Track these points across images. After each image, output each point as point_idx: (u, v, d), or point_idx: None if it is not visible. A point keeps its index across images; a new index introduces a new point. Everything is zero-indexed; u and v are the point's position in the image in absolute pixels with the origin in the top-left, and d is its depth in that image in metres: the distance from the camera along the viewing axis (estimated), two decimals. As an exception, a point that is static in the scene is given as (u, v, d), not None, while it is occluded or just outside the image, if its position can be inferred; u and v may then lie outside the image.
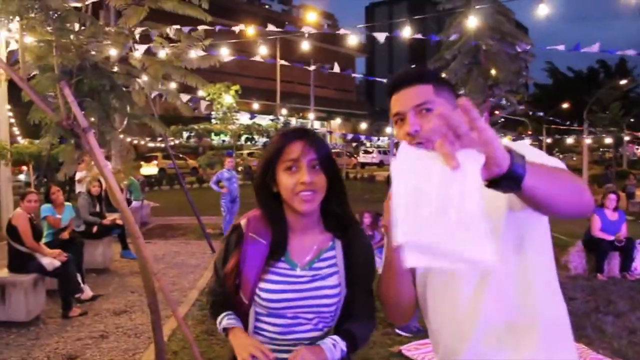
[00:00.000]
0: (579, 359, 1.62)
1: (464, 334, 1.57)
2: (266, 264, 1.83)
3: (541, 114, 18.27)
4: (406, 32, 9.73)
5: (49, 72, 4.09)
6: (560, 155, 48.45)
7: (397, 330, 5.78)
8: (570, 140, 34.58)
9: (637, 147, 53.30)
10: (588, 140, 32.43)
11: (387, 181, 28.92)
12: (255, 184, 1.88)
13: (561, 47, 10.06)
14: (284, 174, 1.77)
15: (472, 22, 9.61)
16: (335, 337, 1.83)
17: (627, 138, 34.09)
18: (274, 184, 1.81)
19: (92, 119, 4.33)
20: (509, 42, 10.60)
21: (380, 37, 10.52)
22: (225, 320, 1.89)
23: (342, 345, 1.81)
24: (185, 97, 9.06)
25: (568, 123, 29.75)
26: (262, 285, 1.82)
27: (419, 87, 1.61)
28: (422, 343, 5.42)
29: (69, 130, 4.06)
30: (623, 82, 36.97)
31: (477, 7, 9.85)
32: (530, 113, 14.08)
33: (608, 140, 32.48)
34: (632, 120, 36.20)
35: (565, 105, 39.53)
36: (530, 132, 31.29)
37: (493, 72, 10.53)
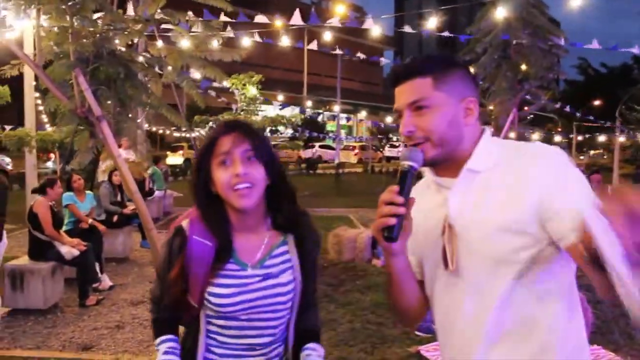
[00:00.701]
0: None
1: (469, 347, 1.49)
2: (214, 267, 1.70)
3: (569, 110, 17.86)
4: (433, 23, 9.50)
5: (64, 60, 4.03)
6: (591, 152, 47.60)
7: (416, 332, 5.66)
8: (602, 138, 33.84)
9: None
10: (621, 139, 31.71)
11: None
12: (192, 184, 1.75)
13: (597, 46, 9.74)
14: (218, 169, 1.65)
15: (502, 13, 9.35)
16: (312, 345, 1.85)
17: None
18: (211, 184, 1.69)
19: (110, 108, 4.27)
20: (541, 36, 10.33)
21: (409, 30, 10.31)
22: (162, 353, 1.78)
23: (320, 350, 1.85)
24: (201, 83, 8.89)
25: (600, 121, 29.09)
26: (212, 289, 1.69)
27: (416, 81, 1.49)
28: (442, 344, 5.28)
29: (83, 119, 4.00)
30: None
31: None
32: (560, 109, 13.75)
33: (641, 139, 31.72)
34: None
35: (596, 103, 38.69)
36: (559, 130, 30.67)
37: (523, 67, 10.28)
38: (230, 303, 1.69)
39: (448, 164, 1.51)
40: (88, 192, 7.99)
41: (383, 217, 1.38)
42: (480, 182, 1.47)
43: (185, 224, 1.76)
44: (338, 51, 13.33)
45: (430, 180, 1.60)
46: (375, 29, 10.36)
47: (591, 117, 25.76)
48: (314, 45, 14.04)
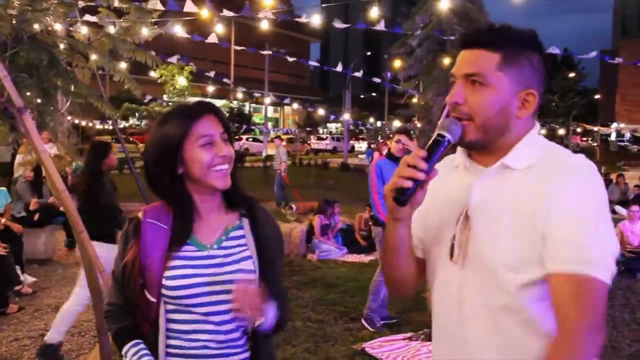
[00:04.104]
0: None
1: (464, 344, 1.43)
2: (170, 250, 1.68)
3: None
4: (370, 16, 9.46)
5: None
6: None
7: (363, 321, 5.59)
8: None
9: (583, 138, 55.09)
10: (542, 131, 33.12)
11: (342, 168, 28.78)
12: (155, 168, 1.70)
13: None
14: (199, 150, 1.65)
15: (440, 6, 9.45)
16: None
17: (579, 130, 35.01)
18: (180, 165, 1.67)
19: (31, 98, 3.90)
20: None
21: (339, 24, 10.24)
22: (139, 356, 1.68)
23: (274, 309, 1.68)
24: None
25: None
26: (168, 273, 1.65)
27: (482, 53, 1.37)
28: (386, 340, 5.23)
29: (2, 110, 3.62)
30: (571, 75, 37.93)
31: None
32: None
33: (560, 131, 33.25)
34: (574, 113, 37.24)
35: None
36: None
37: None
38: (187, 285, 1.64)
39: (485, 150, 1.42)
40: (1, 188, 7.43)
41: (400, 177, 1.31)
42: (511, 180, 1.38)
43: (140, 213, 1.77)
44: (266, 50, 13.13)
45: (461, 159, 1.50)
46: (308, 22, 10.21)
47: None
48: (242, 38, 13.78)
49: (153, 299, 1.67)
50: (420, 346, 5.07)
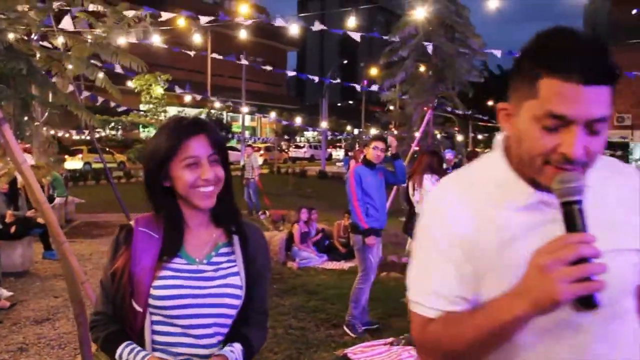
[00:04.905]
0: None
1: None
2: (160, 260, 1.68)
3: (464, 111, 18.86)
4: (349, 24, 9.56)
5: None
6: (487, 151, 50.08)
7: (345, 328, 5.63)
8: (499, 137, 35.50)
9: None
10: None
11: (320, 176, 28.75)
12: (147, 179, 1.72)
13: (497, 52, 10.20)
14: (183, 170, 1.65)
15: (421, 15, 9.58)
16: (234, 344, 1.70)
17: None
18: (166, 179, 1.69)
19: (9, 109, 3.87)
20: (461, 40, 10.70)
21: (318, 26, 10.32)
22: (139, 354, 1.65)
23: (240, 351, 1.69)
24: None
25: (494, 120, 30.74)
26: (156, 283, 1.65)
27: (607, 90, 1.08)
28: (368, 346, 5.25)
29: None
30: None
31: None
32: (462, 111, 14.34)
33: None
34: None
35: (491, 103, 40.72)
36: (457, 129, 32.11)
37: (443, 70, 10.61)
38: (173, 295, 1.65)
39: None
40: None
41: (579, 279, 1.00)
42: (591, 197, 1.14)
43: (132, 221, 1.77)
44: (243, 60, 13.14)
45: (526, 196, 1.20)
46: (282, 30, 10.28)
47: (484, 117, 27.09)
48: (219, 48, 13.78)
49: (140, 309, 1.66)
50: (401, 351, 5.11)
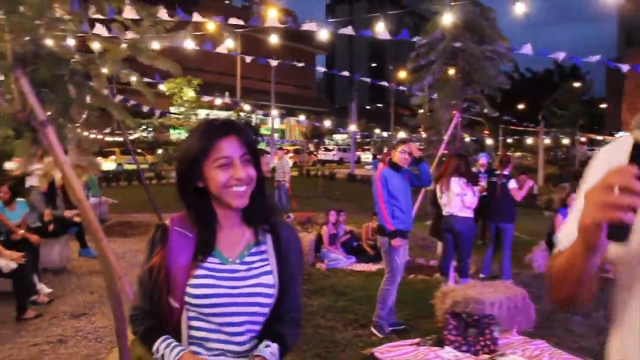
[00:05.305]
0: None
1: None
2: (196, 259, 1.73)
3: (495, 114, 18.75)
4: (378, 28, 9.63)
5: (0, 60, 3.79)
6: (516, 154, 49.59)
7: (372, 329, 5.72)
8: (529, 140, 35.21)
9: (589, 148, 55.19)
10: (547, 140, 33.09)
11: (349, 179, 28.58)
12: (179, 179, 1.77)
13: (529, 52, 10.07)
14: (216, 170, 1.69)
15: (448, 19, 9.59)
16: (269, 342, 1.74)
17: (582, 139, 34.98)
18: (199, 180, 1.73)
19: (52, 112, 4.05)
20: (488, 44, 10.66)
21: (347, 31, 10.39)
22: (175, 349, 1.72)
23: (277, 354, 1.73)
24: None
25: (524, 124, 30.39)
26: (192, 281, 1.71)
27: None
28: (395, 345, 5.33)
29: (24, 124, 3.77)
30: (577, 84, 37.99)
31: (455, 3, 9.85)
32: (491, 114, 14.26)
33: (565, 141, 33.25)
34: (581, 123, 37.29)
35: (521, 106, 40.29)
36: (487, 132, 31.92)
37: (471, 74, 10.60)
38: (208, 294, 1.70)
39: None
40: (20, 199, 7.61)
41: (612, 206, 1.04)
42: None
43: (167, 221, 1.81)
44: (272, 60, 13.26)
45: None
46: (310, 33, 10.38)
47: (514, 120, 26.83)
48: (248, 51, 13.94)
49: (176, 305, 1.73)
50: (428, 351, 5.18)
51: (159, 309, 1.77)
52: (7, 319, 5.98)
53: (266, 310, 1.76)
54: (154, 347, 1.74)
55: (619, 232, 1.05)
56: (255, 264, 1.77)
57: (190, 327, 1.75)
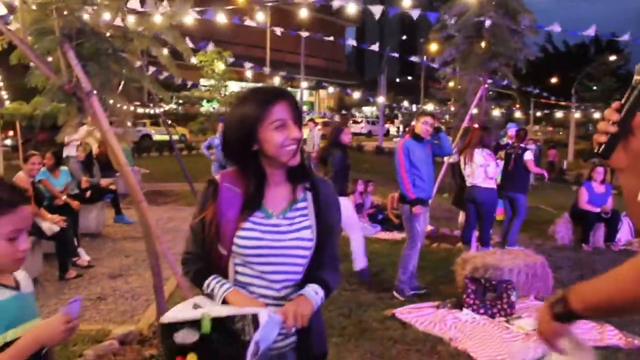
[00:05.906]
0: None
1: None
2: (243, 214, 1.93)
3: (527, 88, 18.47)
4: (405, 3, 9.68)
5: (49, 35, 4.07)
6: (546, 129, 48.80)
7: (394, 292, 5.97)
8: (559, 114, 34.58)
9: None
10: (577, 115, 32.53)
11: (377, 151, 28.58)
12: (234, 143, 1.93)
13: (558, 29, 10.02)
14: (273, 132, 1.86)
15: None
16: (314, 285, 1.94)
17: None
18: (254, 143, 1.90)
19: (96, 84, 4.32)
20: (512, 17, 10.61)
21: (377, 10, 10.45)
22: (221, 284, 1.93)
23: (321, 292, 1.94)
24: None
25: (555, 98, 29.94)
26: (240, 233, 1.91)
27: None
28: (415, 307, 5.57)
29: (70, 95, 4.06)
30: (612, 58, 37.06)
31: None
32: (518, 87, 14.17)
33: (597, 115, 32.61)
34: (618, 98, 36.43)
35: (553, 80, 39.46)
36: (518, 106, 31.58)
37: (494, 46, 10.58)
38: (254, 246, 1.91)
39: None
40: (63, 167, 8.00)
41: (598, 132, 1.30)
42: None
43: (217, 176, 2.00)
44: (302, 33, 13.35)
45: None
46: (343, 7, 10.46)
47: (546, 94, 26.42)
48: (278, 23, 14.02)
49: (224, 252, 1.94)
50: (447, 313, 5.42)
51: (209, 254, 1.98)
52: (51, 278, 6.41)
53: (304, 261, 1.97)
54: (205, 284, 1.96)
55: (598, 150, 1.29)
56: (296, 219, 1.97)
57: (236, 272, 1.97)
